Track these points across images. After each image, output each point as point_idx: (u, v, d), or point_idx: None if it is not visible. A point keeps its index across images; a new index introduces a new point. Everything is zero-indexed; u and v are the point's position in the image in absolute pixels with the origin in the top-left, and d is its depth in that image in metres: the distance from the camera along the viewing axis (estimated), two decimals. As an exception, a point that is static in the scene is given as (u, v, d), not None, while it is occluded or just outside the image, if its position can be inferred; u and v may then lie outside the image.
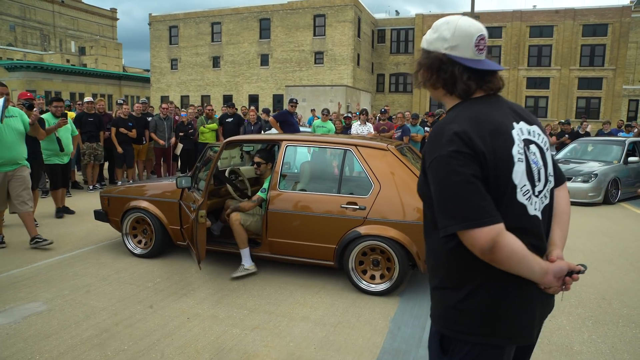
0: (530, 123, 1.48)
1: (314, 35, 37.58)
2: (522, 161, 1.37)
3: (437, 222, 1.36)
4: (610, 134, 13.31)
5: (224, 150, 4.91)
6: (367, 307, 3.96)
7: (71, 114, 9.66)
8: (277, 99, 39.02)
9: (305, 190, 4.65)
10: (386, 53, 44.06)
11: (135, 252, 5.06)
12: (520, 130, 1.43)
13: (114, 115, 10.44)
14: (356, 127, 9.76)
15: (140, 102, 10.80)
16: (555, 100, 39.75)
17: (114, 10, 75.70)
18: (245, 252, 4.50)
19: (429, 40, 1.46)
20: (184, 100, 42.03)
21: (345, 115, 11.36)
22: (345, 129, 10.83)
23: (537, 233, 1.42)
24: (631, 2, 39.05)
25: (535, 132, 1.48)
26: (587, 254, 5.89)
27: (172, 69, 42.19)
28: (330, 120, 10.57)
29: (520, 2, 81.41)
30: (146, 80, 50.86)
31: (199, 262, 4.07)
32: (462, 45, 1.41)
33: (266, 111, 11.55)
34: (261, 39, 39.07)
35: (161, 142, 10.11)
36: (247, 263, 4.50)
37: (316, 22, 37.63)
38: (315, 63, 37.88)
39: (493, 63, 1.46)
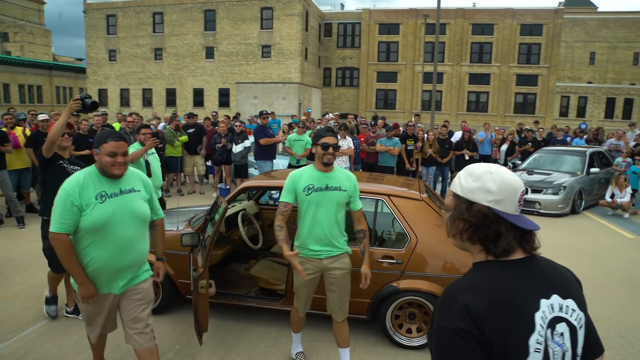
0: (564, 296, 1.33)
1: (261, 28, 36.78)
2: (539, 351, 1.24)
3: None
4: (563, 141, 13.91)
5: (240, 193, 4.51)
6: (411, 369, 3.79)
7: (27, 131, 8.77)
8: (223, 93, 37.99)
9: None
10: (333, 47, 43.98)
11: (140, 309, 4.57)
12: (548, 310, 1.28)
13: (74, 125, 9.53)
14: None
15: (100, 113, 9.97)
16: (496, 95, 41.41)
17: (39, -6, 70.20)
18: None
19: (467, 187, 1.35)
20: (124, 94, 39.92)
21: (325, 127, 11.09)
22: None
23: None
24: (560, 3, 41.26)
25: (569, 308, 1.32)
26: (583, 279, 6.05)
27: (110, 60, 39.85)
28: (307, 130, 10.28)
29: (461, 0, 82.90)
30: (80, 70, 47.85)
31: (200, 336, 3.56)
32: (508, 200, 1.31)
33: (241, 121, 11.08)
34: (206, 31, 37.74)
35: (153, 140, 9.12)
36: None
37: (263, 15, 36.84)
38: (262, 57, 37.14)
39: (529, 221, 1.35)
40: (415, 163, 11.35)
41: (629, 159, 10.80)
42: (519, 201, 1.33)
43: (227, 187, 10.59)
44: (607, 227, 9.23)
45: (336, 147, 3.20)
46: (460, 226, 1.36)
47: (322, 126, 11.27)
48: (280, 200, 3.28)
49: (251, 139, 10.32)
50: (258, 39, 36.95)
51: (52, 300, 4.56)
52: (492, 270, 1.31)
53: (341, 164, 9.46)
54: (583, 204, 10.50)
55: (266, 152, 9.34)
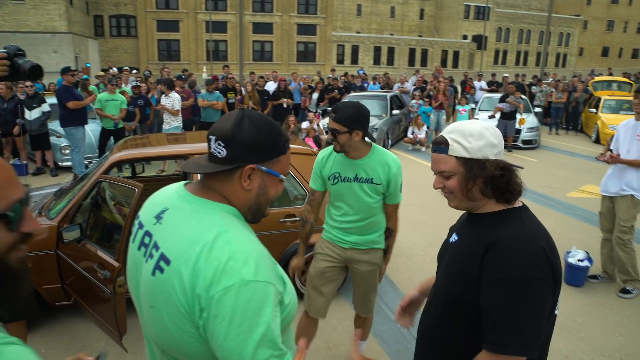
0: None
1: (6, -37, 30.08)
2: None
3: (494, 337, 1.29)
4: (362, 87, 15.31)
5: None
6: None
7: None
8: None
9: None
10: (102, -10, 39.06)
11: (-9, 332, 3.53)
12: None
13: None
14: (163, 100, 8.60)
15: None
16: (279, 44, 42.83)
17: None
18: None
19: (473, 148, 1.37)
20: None
21: (134, 83, 9.81)
22: (135, 99, 9.45)
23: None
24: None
25: None
26: (429, 208, 6.94)
27: None
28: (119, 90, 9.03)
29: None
30: None
31: (120, 338, 2.95)
32: (502, 149, 1.43)
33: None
34: None
35: None
36: None
37: (6, -54, 30.09)
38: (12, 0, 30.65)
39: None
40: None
41: (420, 101, 12.50)
42: None
43: (24, 162, 8.72)
44: (414, 160, 10.67)
45: (335, 132, 2.46)
46: (476, 184, 1.38)
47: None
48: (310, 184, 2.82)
49: (49, 101, 8.60)
50: (3, -23, 30.19)
51: None
52: (527, 216, 1.40)
53: (172, 123, 8.68)
54: (390, 142, 11.86)
55: (76, 117, 7.90)
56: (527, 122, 11.99)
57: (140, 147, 3.92)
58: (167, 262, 1.07)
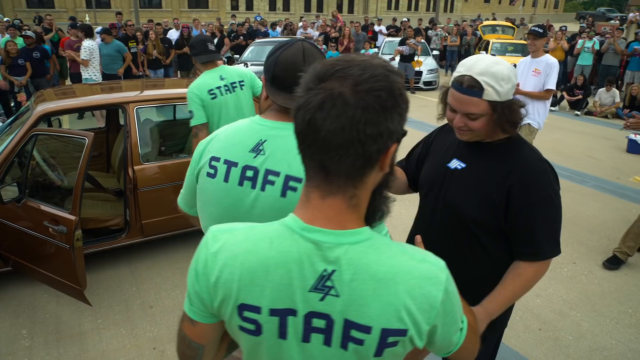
0: None
1: None
2: None
3: (539, 248, 1.50)
4: (265, 34, 15.02)
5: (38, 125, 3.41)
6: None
7: None
8: None
9: (171, 157, 3.96)
10: None
11: None
12: None
13: None
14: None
15: None
16: (168, -11, 39.94)
17: None
18: None
19: (504, 91, 1.41)
20: None
21: (25, 33, 8.70)
22: (29, 51, 8.50)
23: None
24: None
25: None
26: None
27: None
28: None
29: None
30: None
31: (83, 290, 2.92)
32: None
33: None
34: None
35: None
36: None
37: None
38: None
39: None
40: (141, 66, 10.52)
41: (324, 46, 12.61)
42: None
43: None
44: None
45: None
46: (506, 123, 1.44)
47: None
48: None
49: None
50: None
51: None
52: (525, 141, 1.55)
53: (85, 74, 8.14)
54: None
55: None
56: (426, 64, 12.69)
57: (69, 97, 3.65)
58: (298, 180, 1.14)
